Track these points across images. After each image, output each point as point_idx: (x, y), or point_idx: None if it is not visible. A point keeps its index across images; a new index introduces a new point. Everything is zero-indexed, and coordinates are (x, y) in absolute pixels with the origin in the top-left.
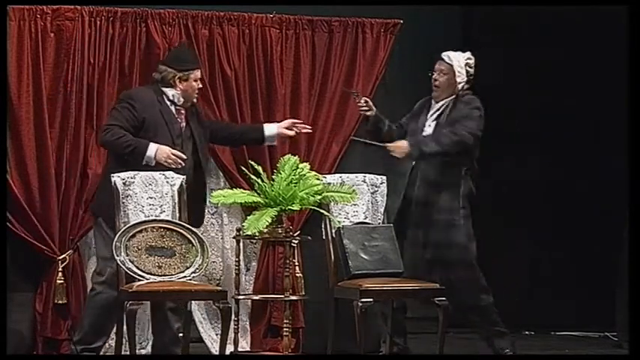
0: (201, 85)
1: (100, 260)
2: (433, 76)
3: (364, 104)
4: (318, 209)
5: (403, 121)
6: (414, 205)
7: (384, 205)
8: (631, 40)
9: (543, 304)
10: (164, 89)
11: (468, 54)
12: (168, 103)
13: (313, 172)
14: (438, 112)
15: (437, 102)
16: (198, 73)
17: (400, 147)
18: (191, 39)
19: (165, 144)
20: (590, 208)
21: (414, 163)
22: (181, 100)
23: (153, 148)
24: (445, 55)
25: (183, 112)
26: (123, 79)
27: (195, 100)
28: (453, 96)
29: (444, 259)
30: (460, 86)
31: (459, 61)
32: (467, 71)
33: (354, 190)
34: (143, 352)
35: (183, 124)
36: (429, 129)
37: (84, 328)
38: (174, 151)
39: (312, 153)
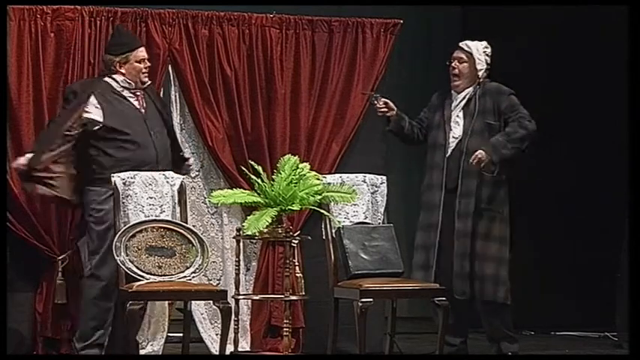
0: (148, 64)
1: (88, 255)
2: (451, 65)
3: (384, 106)
4: (318, 209)
5: (422, 115)
6: (459, 196)
7: (384, 205)
8: (631, 40)
9: (543, 304)
10: (113, 77)
11: (484, 43)
12: (120, 89)
13: (313, 172)
14: (463, 102)
15: (458, 92)
16: (139, 54)
17: (480, 157)
18: (191, 39)
19: (130, 124)
20: (591, 208)
21: (448, 155)
22: (132, 84)
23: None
24: (463, 43)
25: (139, 93)
26: None
27: (145, 80)
28: (475, 84)
29: (482, 251)
30: (481, 74)
31: (478, 49)
32: (485, 59)
33: (354, 190)
34: (143, 352)
35: (144, 105)
36: (458, 120)
37: (81, 324)
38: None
39: (312, 153)
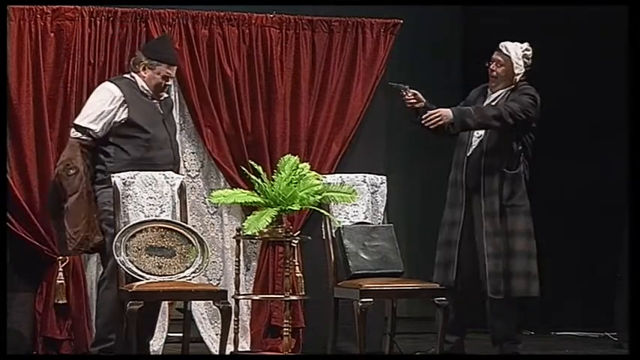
0: (169, 83)
1: (101, 257)
2: (490, 67)
3: (412, 97)
4: (318, 209)
5: None
6: (483, 195)
7: (384, 205)
8: (631, 40)
9: (543, 304)
10: (136, 76)
11: (525, 44)
12: (143, 88)
13: (313, 172)
14: (495, 103)
15: (493, 92)
16: (166, 70)
17: (444, 114)
18: (191, 39)
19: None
20: (591, 208)
21: (469, 154)
22: (148, 90)
23: None
24: (503, 45)
25: (155, 101)
26: None
27: (160, 94)
28: (511, 86)
29: (510, 248)
30: (518, 78)
31: (517, 52)
32: (524, 62)
33: (354, 190)
34: None
35: (162, 107)
36: None
37: (97, 328)
38: None
39: (312, 153)
